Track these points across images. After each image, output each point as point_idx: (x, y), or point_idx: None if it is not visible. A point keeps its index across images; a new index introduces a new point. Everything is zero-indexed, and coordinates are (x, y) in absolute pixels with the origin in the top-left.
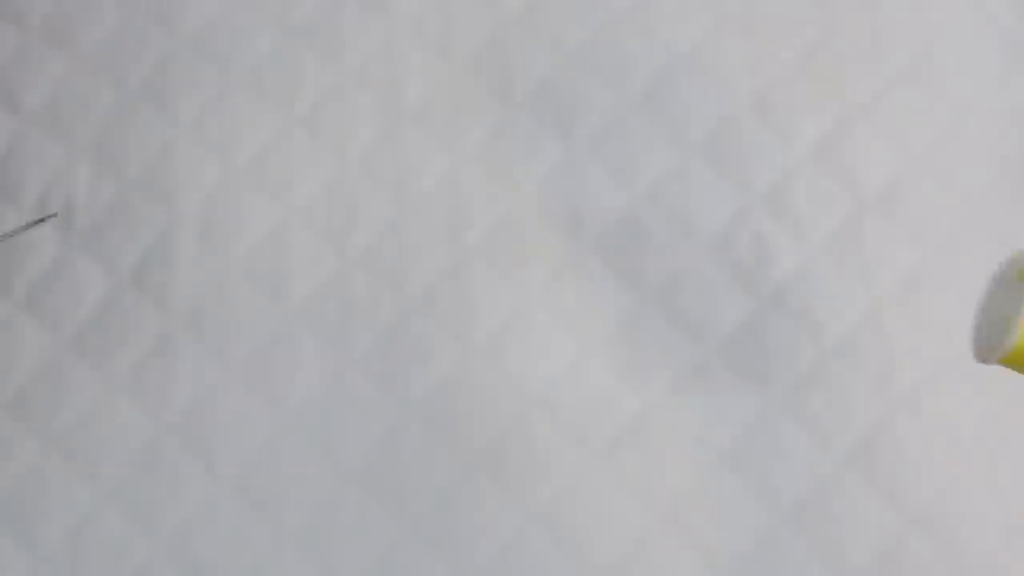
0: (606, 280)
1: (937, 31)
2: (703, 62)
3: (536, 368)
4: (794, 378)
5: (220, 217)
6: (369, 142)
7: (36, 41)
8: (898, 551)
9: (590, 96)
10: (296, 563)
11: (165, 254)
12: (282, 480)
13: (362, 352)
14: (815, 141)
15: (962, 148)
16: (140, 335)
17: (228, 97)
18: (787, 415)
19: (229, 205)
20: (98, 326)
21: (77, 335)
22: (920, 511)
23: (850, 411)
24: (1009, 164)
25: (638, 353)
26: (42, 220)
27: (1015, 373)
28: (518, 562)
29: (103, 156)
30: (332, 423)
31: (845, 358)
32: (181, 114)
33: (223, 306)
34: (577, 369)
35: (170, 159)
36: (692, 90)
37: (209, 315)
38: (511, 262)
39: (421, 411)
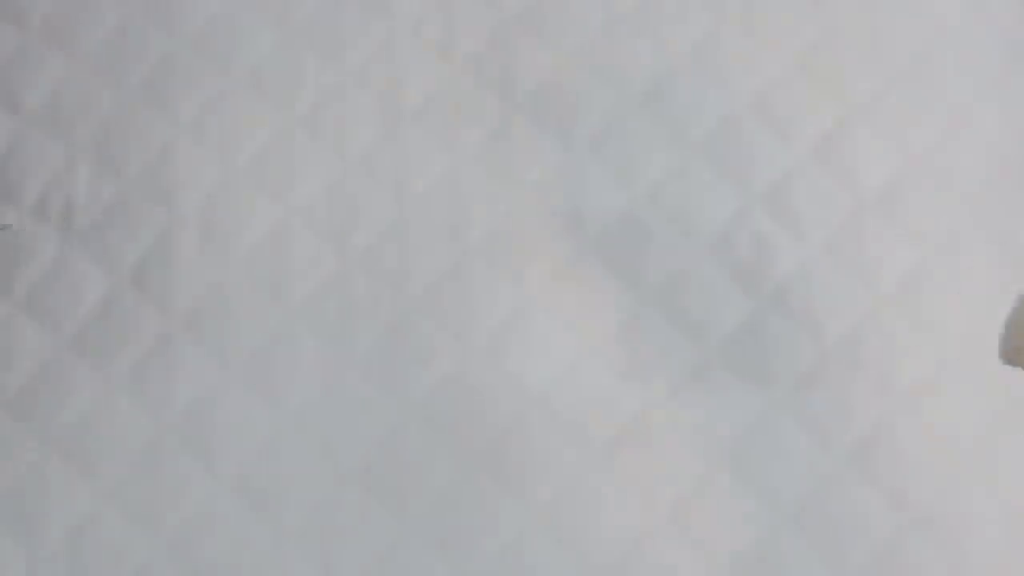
0: (606, 280)
1: (937, 31)
2: (703, 62)
3: (536, 368)
4: (794, 378)
5: (220, 217)
6: (369, 142)
7: (36, 41)
8: (898, 551)
9: (590, 96)
10: (296, 563)
11: (165, 254)
12: (282, 480)
13: (362, 352)
14: (815, 141)
15: (962, 148)
16: (140, 335)
17: (228, 97)
18: (787, 415)
19: (229, 205)
20: (98, 326)
21: (77, 335)
22: (920, 511)
23: (850, 411)
24: (1009, 164)
25: (638, 353)
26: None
27: None
28: (518, 562)
29: (103, 156)
30: (332, 423)
31: (845, 358)
32: (181, 114)
33: (223, 306)
34: (577, 369)
35: (170, 159)
36: (692, 90)
37: (209, 315)
38: (511, 262)
39: (421, 411)
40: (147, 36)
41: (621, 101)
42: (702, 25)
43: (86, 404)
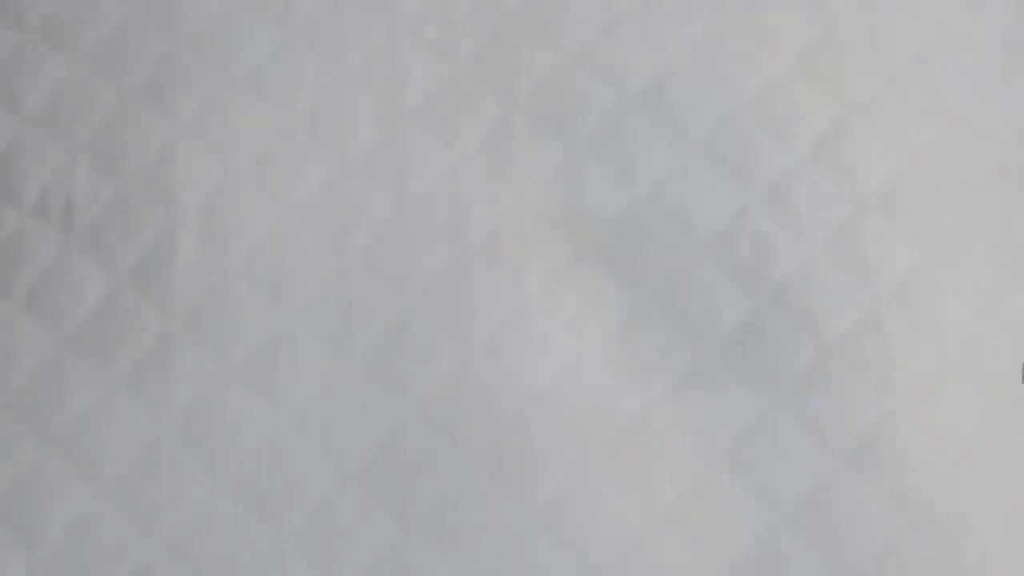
0: (606, 280)
1: (937, 31)
2: (703, 62)
3: (536, 368)
4: (794, 378)
5: (220, 217)
6: (369, 142)
7: (36, 41)
8: (898, 551)
9: (590, 96)
10: (296, 563)
11: (165, 254)
12: (282, 480)
13: (362, 352)
14: (815, 141)
15: (962, 148)
16: (140, 335)
17: (228, 97)
18: (787, 415)
19: (229, 205)
20: (98, 326)
21: (77, 335)
22: (920, 511)
23: (850, 411)
24: (1009, 164)
25: (638, 353)
26: None
27: None
28: (518, 562)
29: (103, 156)
30: (332, 423)
31: (845, 358)
32: (181, 114)
33: (223, 306)
34: (577, 369)
35: (170, 159)
36: (692, 90)
37: (209, 315)
38: (511, 262)
39: (421, 411)
40: (147, 36)
41: (621, 101)
42: (702, 25)
43: (86, 404)
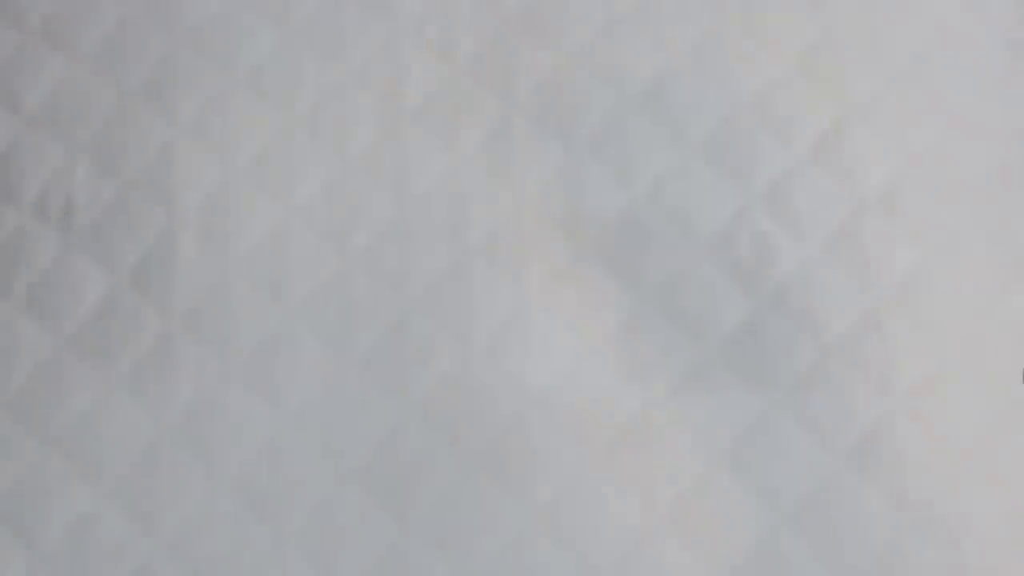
0: (606, 280)
1: (937, 31)
2: (703, 62)
3: (536, 368)
4: (794, 378)
5: (220, 217)
6: (369, 142)
7: (36, 41)
8: (898, 551)
9: (590, 96)
10: (296, 563)
11: (165, 254)
12: (282, 480)
13: (362, 352)
14: (815, 141)
15: (962, 148)
16: (140, 335)
17: (228, 97)
18: (787, 415)
19: (229, 205)
20: (98, 326)
21: (77, 335)
22: (920, 511)
23: (850, 411)
24: (1009, 164)
25: (638, 353)
26: None
27: None
28: (518, 562)
29: (103, 156)
30: (332, 423)
31: (845, 358)
32: (181, 114)
33: (223, 306)
34: (577, 369)
35: (170, 159)
36: (692, 90)
37: (209, 315)
38: (511, 262)
39: (421, 411)
40: (147, 36)
41: (621, 101)
42: (702, 25)
43: (86, 404)
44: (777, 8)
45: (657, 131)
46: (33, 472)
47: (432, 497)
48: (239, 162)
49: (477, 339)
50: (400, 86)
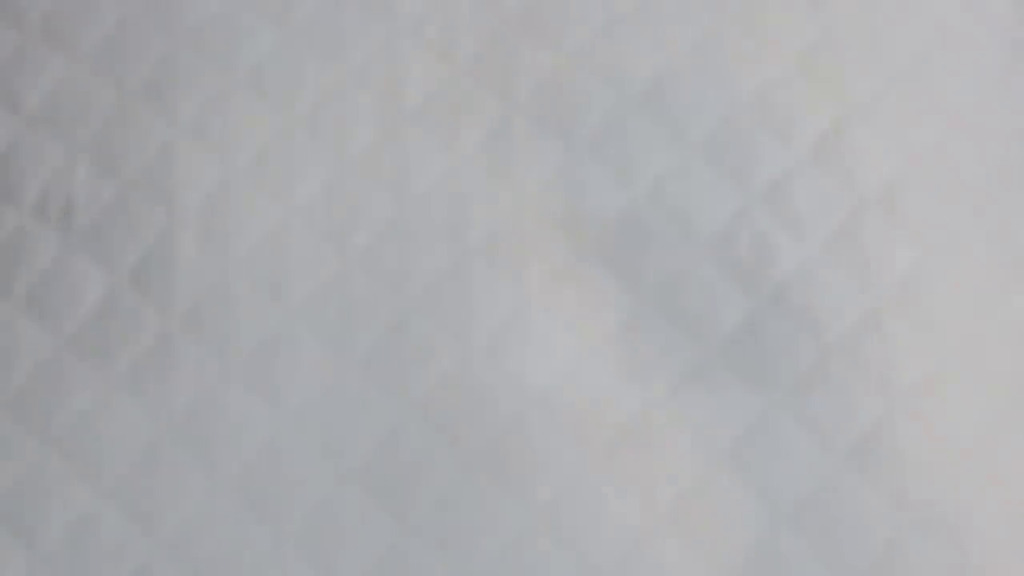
0: (606, 280)
1: (937, 31)
2: (703, 62)
3: (536, 368)
4: (794, 378)
5: (220, 217)
6: (369, 142)
7: (36, 41)
8: (898, 551)
9: (590, 96)
10: (296, 563)
11: (165, 254)
12: (282, 480)
13: (362, 352)
14: (815, 141)
15: (962, 148)
16: (140, 335)
17: (228, 97)
18: (787, 415)
19: (229, 205)
20: (98, 326)
21: (77, 335)
22: (920, 511)
23: (850, 411)
24: (1009, 164)
25: (638, 353)
26: None
27: None
28: (518, 562)
29: (103, 156)
30: (332, 423)
31: (845, 358)
32: (181, 114)
33: (223, 306)
34: (577, 369)
35: (170, 159)
36: (692, 90)
37: (209, 315)
38: (511, 262)
39: (421, 411)
40: (147, 36)
41: (621, 101)
42: (702, 25)
43: (86, 404)
44: (777, 8)
45: (657, 131)
46: (33, 472)
47: (432, 497)
48: (239, 162)
49: (477, 339)
50: (400, 86)
